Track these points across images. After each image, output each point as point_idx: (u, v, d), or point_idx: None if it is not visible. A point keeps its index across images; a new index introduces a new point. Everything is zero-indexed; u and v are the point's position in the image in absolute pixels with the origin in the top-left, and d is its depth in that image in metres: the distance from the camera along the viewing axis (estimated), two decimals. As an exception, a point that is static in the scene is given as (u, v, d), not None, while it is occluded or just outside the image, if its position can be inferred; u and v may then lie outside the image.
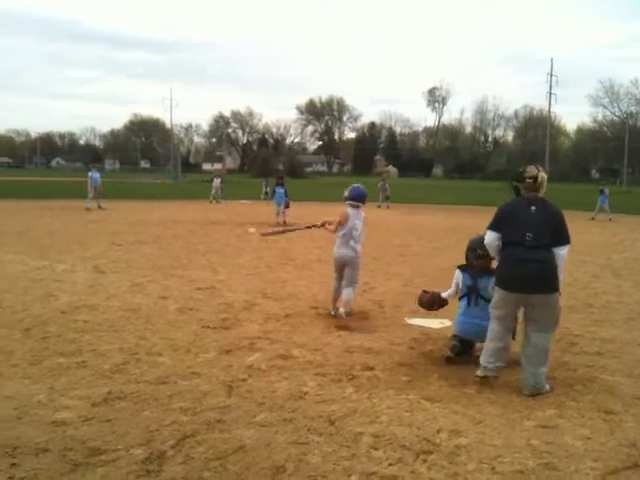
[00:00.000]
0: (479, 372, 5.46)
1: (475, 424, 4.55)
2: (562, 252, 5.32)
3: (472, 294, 6.21)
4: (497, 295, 5.45)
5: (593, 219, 26.98)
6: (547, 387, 5.30)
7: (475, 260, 6.26)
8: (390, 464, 3.90)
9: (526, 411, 4.83)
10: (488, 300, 5.86)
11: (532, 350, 5.30)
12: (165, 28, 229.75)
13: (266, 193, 38.52)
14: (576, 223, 25.12)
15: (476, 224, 17.45)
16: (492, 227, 5.53)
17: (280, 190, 22.48)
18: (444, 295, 6.57)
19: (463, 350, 6.17)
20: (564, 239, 5.34)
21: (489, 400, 5.05)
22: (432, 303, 6.67)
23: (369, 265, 12.44)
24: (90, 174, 27.79)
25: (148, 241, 15.99)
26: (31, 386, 5.15)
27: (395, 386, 5.35)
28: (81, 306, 8.13)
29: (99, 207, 27.00)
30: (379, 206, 33.11)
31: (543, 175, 5.42)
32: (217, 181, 36.51)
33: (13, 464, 3.77)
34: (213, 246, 15.27)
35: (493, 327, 5.47)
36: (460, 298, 6.36)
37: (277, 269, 11.81)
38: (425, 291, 6.81)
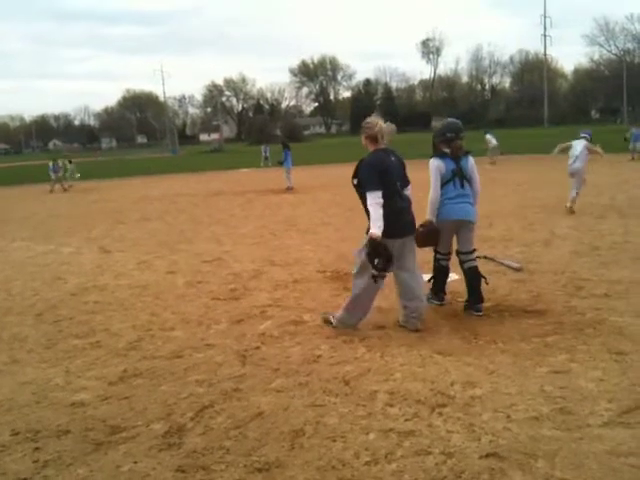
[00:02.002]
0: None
1: (488, 374, 4.60)
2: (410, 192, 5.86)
3: (457, 176, 6.19)
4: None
5: (633, 159, 26.79)
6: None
7: (447, 144, 6.24)
8: (406, 419, 3.95)
9: (538, 358, 4.87)
10: (469, 181, 6.24)
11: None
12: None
13: (266, 159, 38.46)
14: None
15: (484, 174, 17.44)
16: (375, 186, 5.42)
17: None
18: (432, 197, 6.18)
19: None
20: (408, 180, 5.87)
21: (500, 350, 5.09)
22: (429, 239, 6.22)
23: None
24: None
25: (152, 217, 16.02)
26: (48, 370, 5.22)
27: (406, 342, 5.39)
28: (90, 287, 8.19)
29: (64, 189, 27.59)
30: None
31: (382, 124, 5.73)
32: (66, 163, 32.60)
33: (36, 448, 3.83)
34: (216, 217, 15.29)
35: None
36: (444, 185, 6.19)
37: (281, 236, 11.83)
38: (422, 225, 6.16)
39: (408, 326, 5.75)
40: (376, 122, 5.73)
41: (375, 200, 5.38)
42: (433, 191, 6.17)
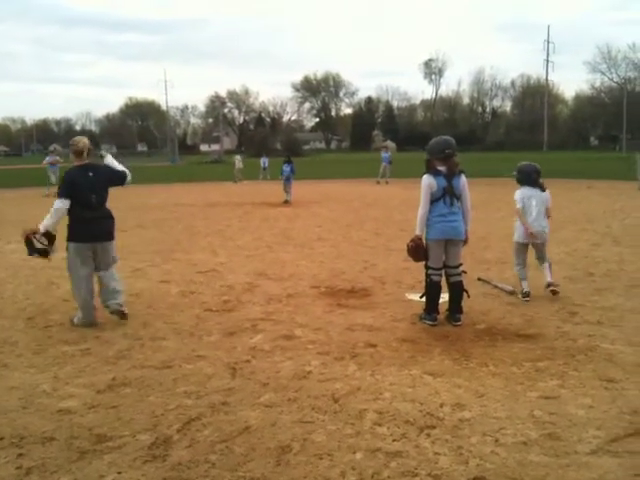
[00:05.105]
0: None
1: (478, 397, 4.58)
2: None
3: (447, 194, 6.39)
4: (74, 250, 6.62)
5: None
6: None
7: (444, 161, 6.41)
8: (394, 440, 3.93)
9: (528, 382, 4.86)
10: (458, 198, 6.41)
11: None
12: (156, 8, 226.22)
13: (264, 169, 38.52)
14: (575, 192, 25.05)
15: (477, 197, 17.41)
16: (61, 195, 6.43)
17: (286, 168, 22.55)
18: (421, 213, 6.42)
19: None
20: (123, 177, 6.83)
21: (491, 373, 5.08)
22: (418, 254, 6.63)
23: (370, 241, 12.47)
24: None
25: (148, 225, 15.98)
26: (36, 375, 5.19)
27: (397, 362, 5.38)
28: (83, 293, 8.12)
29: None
30: (378, 182, 32.87)
31: (85, 142, 6.49)
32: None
33: (20, 454, 3.81)
34: (213, 228, 15.26)
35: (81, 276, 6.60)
36: (434, 202, 6.41)
37: (277, 249, 11.82)
38: (412, 240, 6.57)
39: (115, 314, 6.67)
40: (79, 140, 6.50)
41: (57, 205, 6.44)
42: (422, 207, 6.44)
